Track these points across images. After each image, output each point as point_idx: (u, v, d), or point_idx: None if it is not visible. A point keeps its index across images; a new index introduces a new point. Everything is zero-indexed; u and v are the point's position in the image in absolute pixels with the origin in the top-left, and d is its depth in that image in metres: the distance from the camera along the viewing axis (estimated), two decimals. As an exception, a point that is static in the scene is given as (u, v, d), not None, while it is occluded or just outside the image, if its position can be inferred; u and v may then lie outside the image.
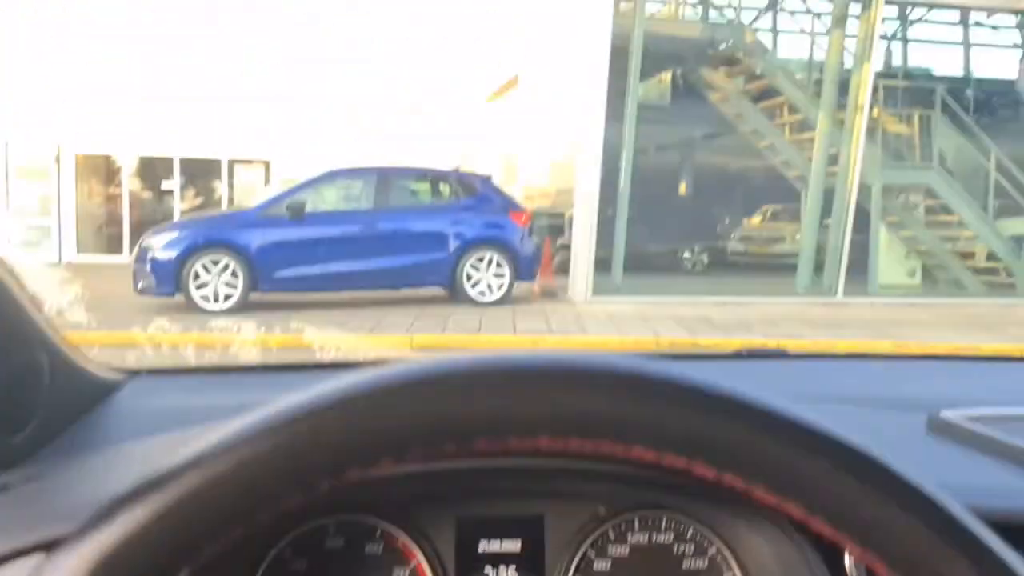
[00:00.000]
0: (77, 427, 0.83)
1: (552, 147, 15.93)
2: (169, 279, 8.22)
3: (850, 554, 0.64)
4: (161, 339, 6.32)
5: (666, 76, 14.61)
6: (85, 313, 7.57)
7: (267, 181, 16.52)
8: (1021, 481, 0.74)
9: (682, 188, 16.43)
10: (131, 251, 9.66)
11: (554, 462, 0.69)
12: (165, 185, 16.86)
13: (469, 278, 9.11)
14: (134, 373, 1.01)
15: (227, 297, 8.33)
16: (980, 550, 0.34)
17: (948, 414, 0.88)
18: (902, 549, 0.34)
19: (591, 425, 0.35)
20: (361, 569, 0.73)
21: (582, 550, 0.74)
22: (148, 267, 8.26)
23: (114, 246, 16.58)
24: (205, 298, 8.27)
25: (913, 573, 0.34)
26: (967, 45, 15.35)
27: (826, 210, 10.47)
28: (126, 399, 0.94)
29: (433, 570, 0.73)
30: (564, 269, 10.44)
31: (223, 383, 1.11)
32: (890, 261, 11.34)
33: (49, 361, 0.79)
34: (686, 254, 13.68)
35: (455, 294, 9.21)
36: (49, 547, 0.51)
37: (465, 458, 0.50)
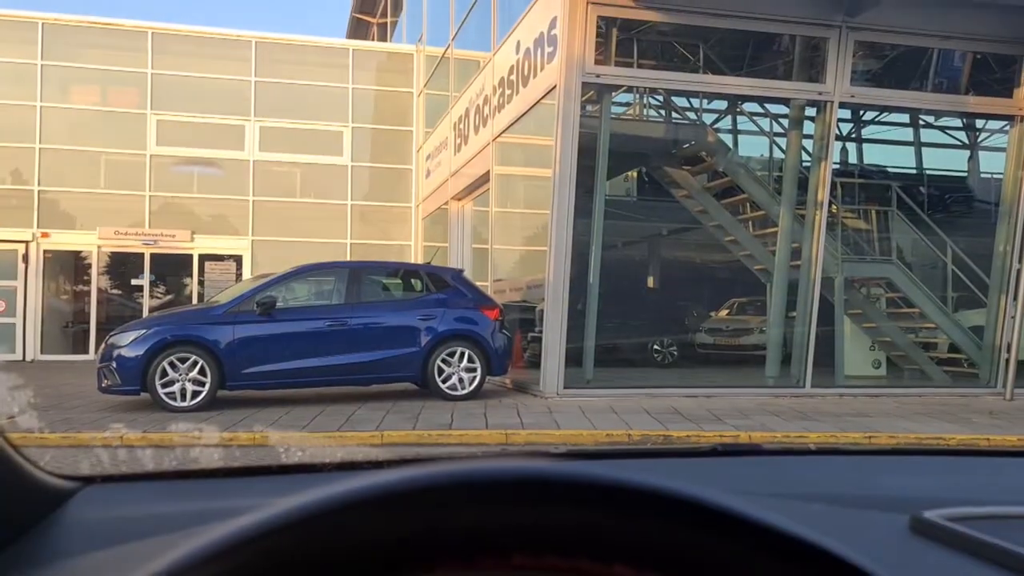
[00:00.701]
0: (25, 541, 0.79)
1: (523, 241, 16.17)
2: (135, 377, 8.08)
3: None
4: (119, 441, 6.18)
5: (632, 174, 15.03)
6: (43, 415, 7.42)
7: (238, 276, 16.52)
8: None
9: (650, 282, 16.67)
10: (96, 349, 9.53)
11: None
12: (135, 281, 16.77)
13: (440, 372, 9.07)
14: (88, 480, 0.97)
15: (195, 395, 8.20)
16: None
17: (931, 515, 0.87)
18: None
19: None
20: None
21: None
22: (113, 365, 8.14)
23: (79, 345, 16.34)
24: (171, 396, 8.13)
25: None
26: (919, 144, 16.04)
27: (791, 303, 10.65)
28: (79, 509, 0.90)
29: None
30: (535, 362, 10.44)
31: (182, 490, 1.06)
32: (855, 352, 11.51)
33: None
34: (656, 347, 13.78)
35: (426, 388, 9.16)
36: None
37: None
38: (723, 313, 14.91)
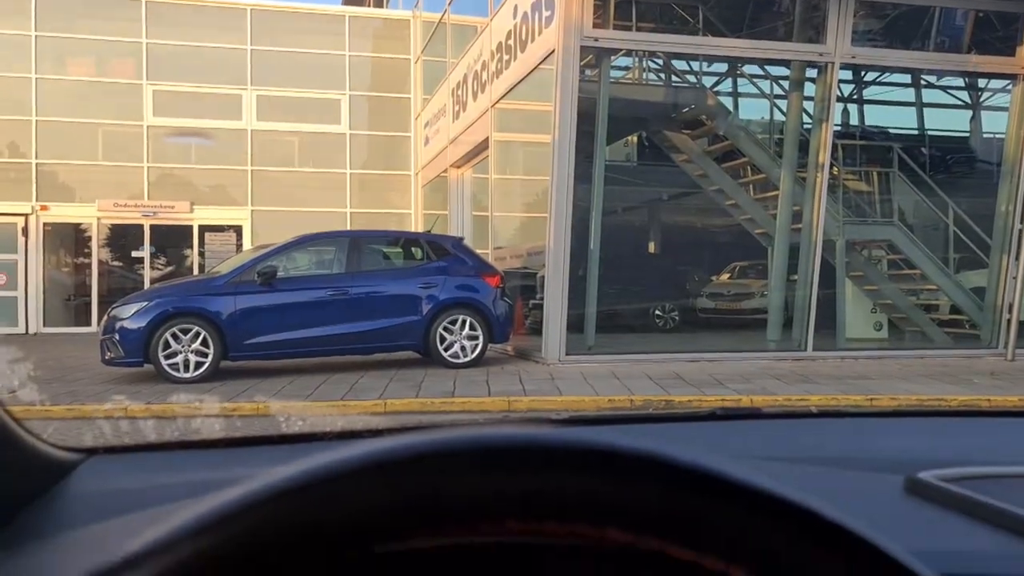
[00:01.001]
0: (29, 512, 0.79)
1: (523, 208, 16.10)
2: (138, 349, 8.11)
3: None
4: (122, 413, 6.22)
5: (632, 138, 14.93)
6: (46, 387, 7.46)
7: (239, 247, 16.49)
8: (1001, 545, 0.72)
9: (651, 247, 16.64)
10: (99, 322, 9.54)
11: None
12: (135, 253, 16.76)
13: (442, 340, 9.10)
14: (91, 451, 0.97)
15: (198, 366, 8.23)
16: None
17: (925, 475, 0.87)
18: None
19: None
20: None
21: None
22: (116, 337, 8.16)
23: (81, 317, 16.37)
24: (175, 367, 8.17)
25: None
26: (920, 105, 15.89)
27: (792, 266, 10.64)
28: (82, 480, 0.90)
29: None
30: (537, 329, 10.46)
31: (185, 460, 1.06)
32: (857, 315, 11.51)
33: None
34: (657, 312, 13.79)
35: (428, 357, 9.19)
36: None
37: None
38: (724, 277, 14.90)
